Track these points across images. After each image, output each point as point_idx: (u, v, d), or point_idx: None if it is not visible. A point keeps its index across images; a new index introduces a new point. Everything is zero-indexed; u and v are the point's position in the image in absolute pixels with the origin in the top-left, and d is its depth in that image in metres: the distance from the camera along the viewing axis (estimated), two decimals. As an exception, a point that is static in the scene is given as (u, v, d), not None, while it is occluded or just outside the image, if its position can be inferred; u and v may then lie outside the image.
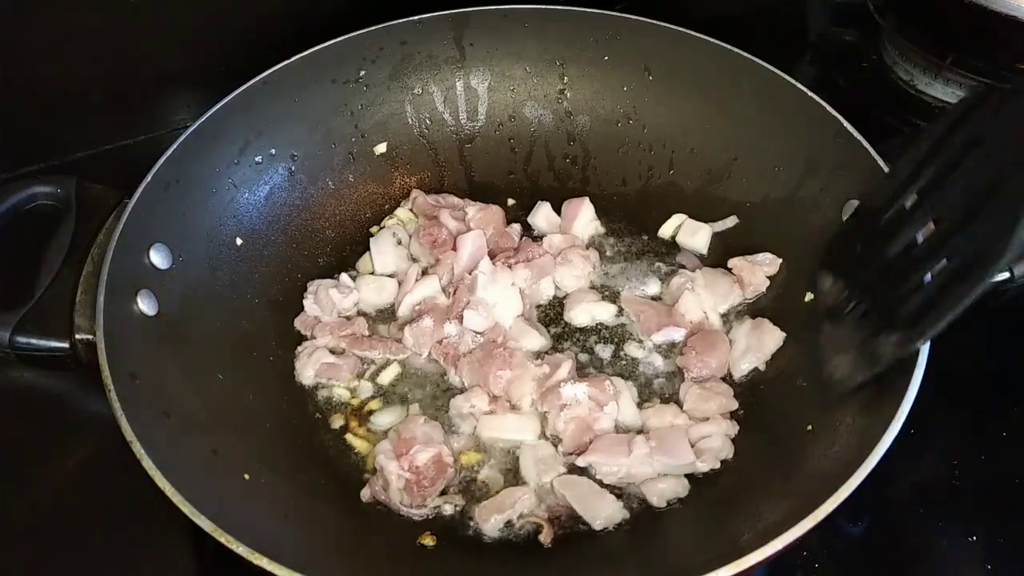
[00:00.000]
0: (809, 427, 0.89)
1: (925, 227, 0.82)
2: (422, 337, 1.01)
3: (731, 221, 1.11)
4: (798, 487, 0.81)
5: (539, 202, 1.15)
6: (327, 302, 1.04)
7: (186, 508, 0.73)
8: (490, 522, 0.87)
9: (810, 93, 1.02)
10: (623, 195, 1.17)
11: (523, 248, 1.09)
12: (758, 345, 0.98)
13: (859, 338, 0.84)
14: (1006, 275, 0.88)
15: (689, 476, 0.91)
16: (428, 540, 0.87)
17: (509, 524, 0.88)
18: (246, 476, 0.88)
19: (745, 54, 1.06)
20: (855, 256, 0.89)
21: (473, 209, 1.13)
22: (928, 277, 0.79)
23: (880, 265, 0.85)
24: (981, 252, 0.73)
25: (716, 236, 1.10)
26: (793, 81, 1.04)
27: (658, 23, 1.11)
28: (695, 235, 1.10)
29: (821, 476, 0.79)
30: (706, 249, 1.10)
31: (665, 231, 1.12)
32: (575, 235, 1.12)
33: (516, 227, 1.13)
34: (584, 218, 1.12)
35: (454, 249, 1.09)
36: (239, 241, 1.06)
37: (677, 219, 1.12)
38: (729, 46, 1.07)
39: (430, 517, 0.89)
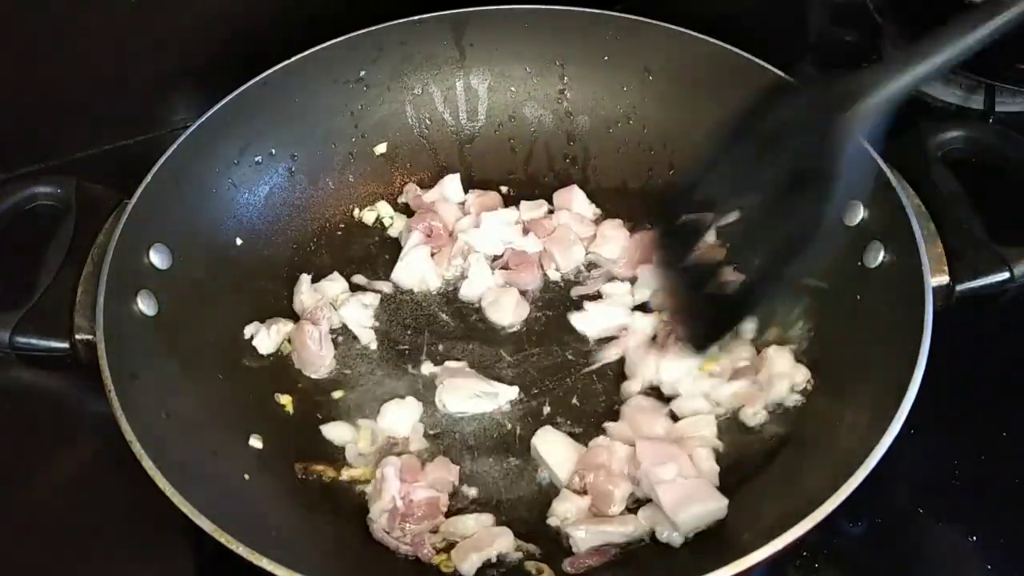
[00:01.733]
0: (809, 427, 0.89)
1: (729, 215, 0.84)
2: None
3: (732, 216, 1.10)
4: (798, 487, 0.81)
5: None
6: None
7: (186, 508, 0.73)
8: (468, 561, 0.83)
9: (810, 93, 1.02)
10: (623, 195, 1.17)
11: None
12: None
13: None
14: (1006, 275, 0.88)
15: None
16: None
17: (488, 564, 0.84)
18: (246, 476, 0.88)
19: (745, 54, 1.06)
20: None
21: (472, 195, 1.15)
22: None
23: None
24: (802, 230, 0.78)
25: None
26: (793, 81, 1.03)
27: (658, 23, 1.11)
28: None
29: (821, 476, 0.79)
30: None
31: None
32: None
33: (512, 212, 1.14)
34: (578, 203, 1.13)
35: (451, 236, 1.10)
36: (239, 241, 1.06)
37: None
38: (729, 46, 1.07)
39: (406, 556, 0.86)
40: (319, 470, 0.92)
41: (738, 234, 0.84)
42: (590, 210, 1.14)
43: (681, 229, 0.87)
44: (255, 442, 0.92)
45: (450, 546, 0.86)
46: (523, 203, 1.15)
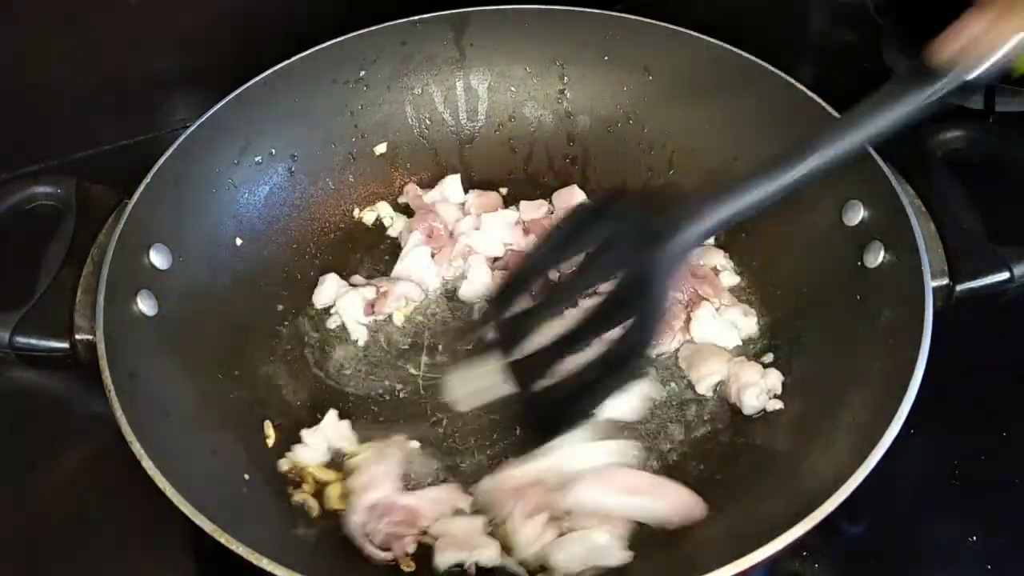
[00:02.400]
0: (809, 427, 0.89)
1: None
2: None
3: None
4: (798, 487, 0.81)
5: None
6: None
7: (186, 508, 0.73)
8: (445, 555, 0.81)
9: (810, 93, 1.02)
10: (623, 195, 1.17)
11: None
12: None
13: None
14: (1006, 275, 0.88)
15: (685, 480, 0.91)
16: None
17: (460, 566, 0.82)
18: (246, 476, 0.88)
19: (745, 54, 1.06)
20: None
21: (472, 196, 1.15)
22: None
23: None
24: (631, 346, 0.82)
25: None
26: (793, 81, 1.03)
27: (658, 23, 1.11)
28: None
29: (821, 476, 0.79)
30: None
31: None
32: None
33: (512, 212, 1.14)
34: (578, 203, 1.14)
35: (451, 237, 1.10)
36: (239, 241, 1.06)
37: None
38: (729, 46, 1.07)
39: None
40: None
41: (569, 338, 0.87)
42: None
43: (515, 318, 0.90)
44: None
45: (424, 552, 0.84)
46: (523, 203, 1.15)
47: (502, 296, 0.92)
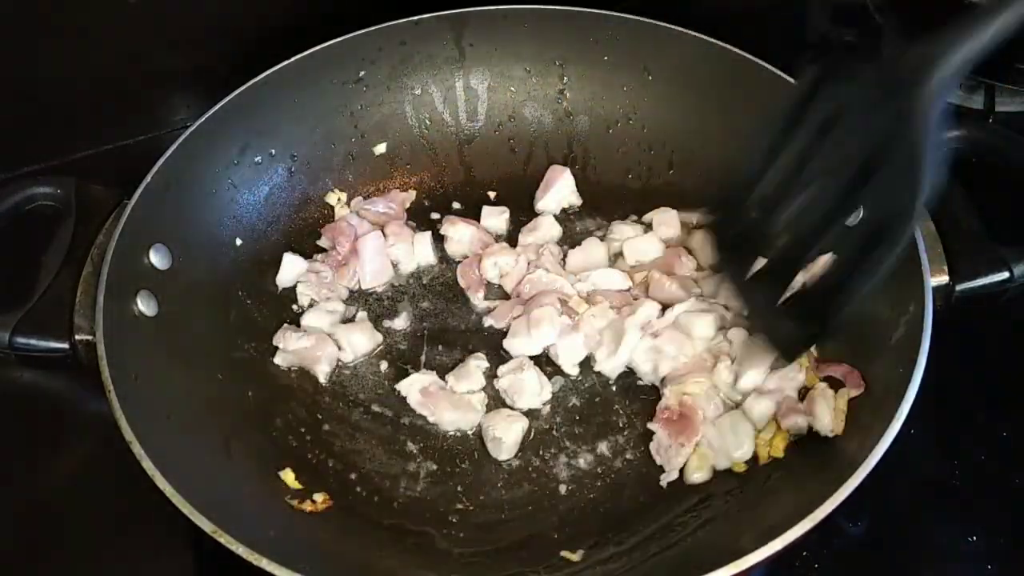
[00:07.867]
0: (809, 427, 0.89)
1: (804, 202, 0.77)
2: None
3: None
4: (798, 487, 0.81)
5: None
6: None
7: (186, 508, 0.74)
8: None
9: (810, 93, 1.02)
10: (623, 195, 1.17)
11: None
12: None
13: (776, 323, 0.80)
14: (1006, 275, 0.88)
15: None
16: None
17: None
18: (246, 477, 0.88)
19: (745, 54, 1.06)
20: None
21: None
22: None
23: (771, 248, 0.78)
24: (891, 215, 0.70)
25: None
26: (793, 81, 1.03)
27: (658, 23, 1.11)
28: (663, 225, 1.10)
29: (821, 476, 0.79)
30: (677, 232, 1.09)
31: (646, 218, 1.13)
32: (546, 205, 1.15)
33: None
34: (560, 186, 1.14)
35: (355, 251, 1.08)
36: (239, 241, 1.06)
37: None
38: (728, 46, 1.07)
39: None
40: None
41: (810, 233, 0.77)
42: (568, 199, 1.15)
43: (741, 238, 0.81)
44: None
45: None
46: (485, 208, 1.14)
47: (724, 212, 0.82)
